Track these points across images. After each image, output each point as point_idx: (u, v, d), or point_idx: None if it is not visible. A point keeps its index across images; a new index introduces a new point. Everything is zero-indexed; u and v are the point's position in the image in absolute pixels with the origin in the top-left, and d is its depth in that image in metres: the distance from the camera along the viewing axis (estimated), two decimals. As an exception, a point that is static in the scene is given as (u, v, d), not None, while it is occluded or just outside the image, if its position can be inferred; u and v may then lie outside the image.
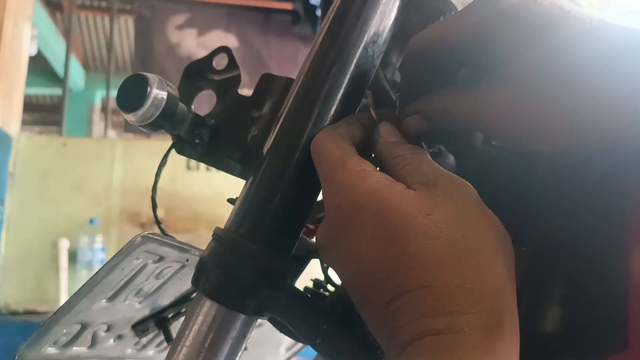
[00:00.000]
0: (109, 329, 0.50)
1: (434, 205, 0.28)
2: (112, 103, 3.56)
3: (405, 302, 0.26)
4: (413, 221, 0.27)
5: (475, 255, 0.27)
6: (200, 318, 0.33)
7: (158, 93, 0.35)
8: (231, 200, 0.37)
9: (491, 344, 0.24)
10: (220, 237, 0.34)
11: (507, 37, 0.29)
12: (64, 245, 2.32)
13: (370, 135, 0.34)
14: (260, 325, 0.51)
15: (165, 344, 0.55)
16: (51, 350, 0.46)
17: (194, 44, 3.22)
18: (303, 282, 0.39)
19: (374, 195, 0.29)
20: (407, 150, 0.32)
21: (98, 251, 2.34)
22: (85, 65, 4.73)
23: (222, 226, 0.35)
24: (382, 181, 0.30)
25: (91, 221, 2.36)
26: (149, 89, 0.34)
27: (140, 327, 0.52)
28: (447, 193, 0.29)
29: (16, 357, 0.44)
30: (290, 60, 3.20)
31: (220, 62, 0.41)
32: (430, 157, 0.32)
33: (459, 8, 0.40)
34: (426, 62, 0.34)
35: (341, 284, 0.32)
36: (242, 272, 0.32)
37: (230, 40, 3.15)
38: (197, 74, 0.41)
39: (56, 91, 4.35)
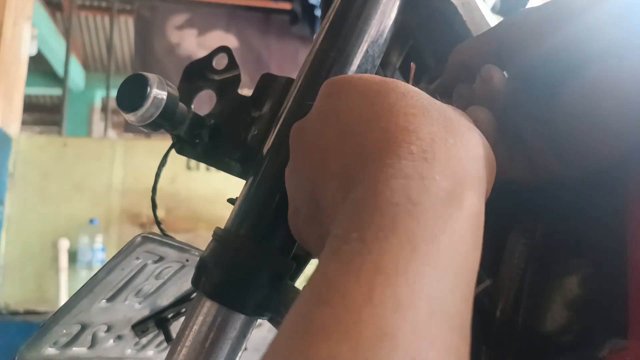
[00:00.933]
0: (108, 330, 0.50)
1: (427, 97, 0.27)
2: (112, 103, 3.56)
3: (382, 144, 0.24)
4: (411, 90, 0.27)
5: (462, 129, 0.25)
6: (200, 318, 0.33)
7: (158, 93, 0.35)
8: (231, 200, 0.37)
9: (461, 197, 0.22)
10: (220, 237, 0.34)
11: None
12: (64, 245, 2.32)
13: None
14: (260, 325, 0.51)
15: (165, 344, 0.55)
16: (51, 350, 0.46)
17: (194, 44, 3.22)
18: (303, 282, 0.39)
19: (378, 79, 0.28)
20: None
21: (98, 251, 2.34)
22: (85, 65, 4.73)
23: (222, 226, 0.35)
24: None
25: (91, 221, 2.37)
26: (149, 88, 0.34)
27: (140, 328, 0.52)
28: (450, 106, 0.28)
29: (16, 357, 0.44)
30: (290, 60, 3.21)
31: (220, 62, 0.41)
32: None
33: (459, 8, 0.40)
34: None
35: None
36: (242, 272, 0.32)
37: (230, 41, 3.15)
38: (197, 73, 0.41)
39: (56, 91, 4.35)
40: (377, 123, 0.25)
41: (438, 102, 0.27)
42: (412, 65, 0.36)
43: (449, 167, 0.23)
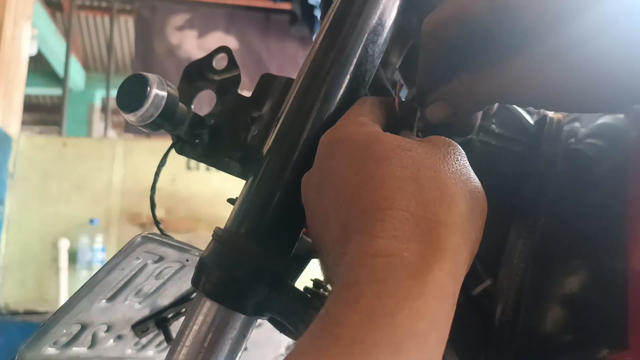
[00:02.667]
0: (108, 329, 0.50)
1: (416, 144, 0.29)
2: (112, 103, 3.56)
3: (360, 222, 0.26)
4: (390, 152, 0.28)
5: (441, 189, 0.27)
6: (200, 318, 0.33)
7: (158, 93, 0.35)
8: (231, 200, 0.37)
9: (428, 272, 0.24)
10: (220, 237, 0.34)
11: (538, 13, 0.29)
12: (64, 245, 2.32)
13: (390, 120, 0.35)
14: (260, 325, 0.51)
15: (165, 344, 0.55)
16: (51, 350, 0.46)
17: (194, 45, 3.22)
18: (303, 282, 0.39)
19: (364, 132, 0.30)
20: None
21: (98, 251, 2.34)
22: (85, 65, 4.74)
23: (222, 226, 0.35)
24: (378, 128, 0.31)
25: (91, 221, 2.37)
26: (148, 88, 0.34)
27: (140, 328, 0.51)
28: (435, 143, 0.30)
29: (16, 357, 0.44)
30: (290, 62, 3.21)
31: (220, 62, 0.41)
32: None
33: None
34: (444, 44, 0.33)
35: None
36: (242, 272, 0.32)
37: (230, 42, 3.15)
38: (197, 73, 0.41)
39: (56, 91, 4.35)
40: (359, 197, 0.27)
41: (420, 158, 0.28)
42: (398, 82, 0.36)
43: (417, 243, 0.25)
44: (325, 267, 0.30)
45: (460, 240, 0.26)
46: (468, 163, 0.30)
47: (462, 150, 0.30)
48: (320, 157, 0.31)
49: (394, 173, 0.27)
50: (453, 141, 0.30)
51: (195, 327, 0.33)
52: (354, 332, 0.22)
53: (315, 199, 0.31)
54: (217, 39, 3.18)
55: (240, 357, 0.34)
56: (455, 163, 0.29)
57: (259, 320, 0.34)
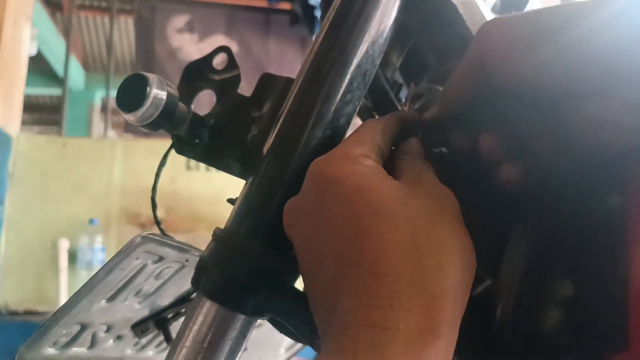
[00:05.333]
0: (108, 330, 0.50)
1: (412, 197, 0.28)
2: (112, 103, 3.56)
3: (352, 284, 0.25)
4: (386, 205, 0.27)
5: (438, 256, 0.26)
6: (200, 318, 0.33)
7: (158, 93, 0.34)
8: (231, 200, 0.37)
9: (423, 348, 0.23)
10: (220, 237, 0.34)
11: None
12: (64, 245, 2.32)
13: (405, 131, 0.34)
14: (260, 325, 0.51)
15: (165, 345, 0.55)
16: (51, 350, 0.46)
17: (195, 49, 3.22)
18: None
19: (358, 173, 0.29)
20: (418, 161, 0.32)
21: (98, 251, 2.34)
22: (85, 65, 4.73)
23: (222, 226, 0.35)
24: (373, 166, 0.29)
25: (91, 221, 2.36)
26: (148, 88, 0.34)
27: (139, 328, 0.51)
28: (430, 193, 0.29)
29: (16, 358, 0.44)
30: (291, 63, 3.20)
31: (220, 61, 0.41)
32: (436, 176, 0.31)
33: (459, 8, 0.40)
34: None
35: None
36: (242, 272, 0.32)
37: (231, 46, 3.14)
38: (196, 73, 0.41)
39: (56, 91, 4.35)
40: (354, 253, 0.26)
41: (417, 216, 0.27)
42: (412, 85, 0.36)
43: (414, 315, 0.24)
44: (313, 307, 0.29)
45: (455, 313, 0.26)
46: (459, 212, 0.29)
47: (455, 199, 0.29)
48: (311, 190, 0.30)
49: (390, 234, 0.26)
50: (451, 192, 0.30)
51: (195, 328, 0.33)
52: None
53: (306, 233, 0.30)
54: (218, 43, 3.18)
55: (240, 357, 0.34)
56: (447, 219, 0.28)
57: (259, 320, 0.34)
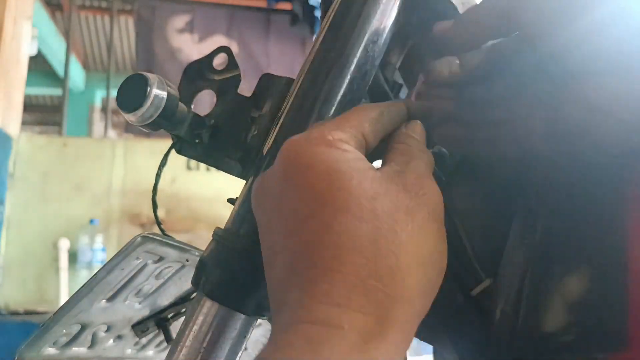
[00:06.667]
0: (108, 329, 0.50)
1: (384, 191, 0.26)
2: (112, 103, 3.56)
3: (304, 278, 0.24)
4: (353, 199, 0.25)
5: (398, 257, 0.25)
6: (200, 318, 0.33)
7: (158, 93, 0.35)
8: (231, 200, 0.37)
9: (364, 349, 0.22)
10: (220, 237, 0.34)
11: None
12: (64, 245, 2.32)
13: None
14: (260, 325, 0.51)
15: (165, 344, 0.55)
16: (51, 350, 0.46)
17: (195, 50, 3.22)
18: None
19: (331, 160, 0.27)
20: (416, 145, 0.30)
21: (98, 251, 2.34)
22: (85, 65, 4.74)
23: (222, 226, 0.35)
24: (349, 154, 0.27)
25: (91, 221, 2.37)
26: (148, 88, 0.34)
27: (140, 327, 0.51)
28: (409, 187, 0.27)
29: (16, 357, 0.44)
30: (291, 63, 3.21)
31: (220, 62, 0.41)
32: (428, 166, 0.30)
33: (459, 8, 0.40)
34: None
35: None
36: (242, 272, 0.32)
37: (230, 45, 3.15)
38: (197, 73, 0.41)
39: (56, 91, 4.36)
40: (311, 247, 0.25)
41: (383, 213, 0.25)
42: (421, 76, 0.36)
43: (362, 316, 0.23)
44: (269, 293, 0.28)
45: (408, 317, 0.25)
46: (439, 210, 0.28)
47: (437, 196, 0.28)
48: (280, 171, 0.28)
49: (351, 230, 0.25)
50: (437, 191, 0.28)
51: (195, 327, 0.33)
52: None
53: (269, 217, 0.28)
54: (218, 43, 3.18)
55: (240, 357, 0.34)
56: (421, 218, 0.26)
57: (259, 320, 0.34)
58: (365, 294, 0.24)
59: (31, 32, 2.54)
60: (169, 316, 0.52)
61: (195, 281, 0.34)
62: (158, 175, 0.46)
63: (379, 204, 0.26)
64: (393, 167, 0.28)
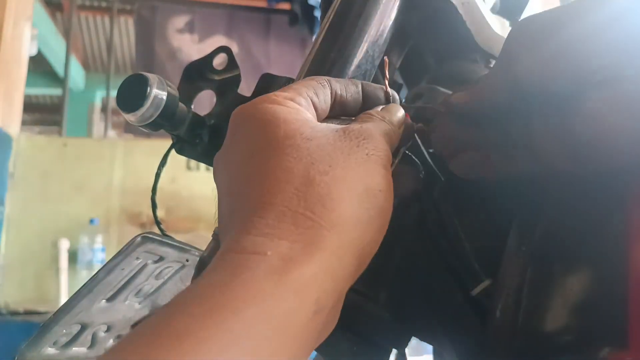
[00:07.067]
0: (108, 330, 0.50)
1: (322, 134, 0.27)
2: (112, 103, 3.55)
3: (239, 216, 0.25)
4: (287, 140, 0.26)
5: (330, 186, 0.25)
6: (200, 318, 0.33)
7: (158, 93, 0.35)
8: (231, 200, 0.37)
9: (285, 273, 0.22)
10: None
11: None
12: (64, 245, 2.32)
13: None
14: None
15: (165, 344, 0.54)
16: (51, 350, 0.46)
17: (195, 50, 3.22)
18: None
19: (272, 110, 0.27)
20: (377, 117, 0.31)
21: (98, 251, 2.34)
22: (86, 66, 4.74)
23: (222, 226, 0.35)
24: (291, 105, 0.28)
25: (91, 221, 2.36)
26: (148, 88, 0.34)
27: (140, 327, 0.51)
28: (350, 133, 0.28)
29: (16, 358, 0.44)
30: (291, 63, 3.20)
31: (220, 62, 0.41)
32: (382, 131, 0.30)
33: (459, 8, 0.40)
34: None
35: None
36: (242, 272, 0.32)
37: (230, 45, 3.15)
38: (197, 73, 0.41)
39: (56, 91, 4.35)
40: (247, 188, 0.26)
41: (318, 150, 0.26)
42: (385, 59, 0.35)
43: (288, 243, 0.23)
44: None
45: (340, 243, 0.24)
46: (382, 157, 0.28)
47: (381, 145, 0.28)
48: (229, 132, 0.29)
49: (285, 165, 0.25)
50: (377, 132, 0.29)
51: (195, 327, 0.33)
52: (190, 324, 0.20)
53: (222, 178, 0.29)
54: (218, 43, 3.17)
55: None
56: (360, 158, 0.27)
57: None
58: (294, 223, 0.24)
59: (31, 32, 2.54)
60: (169, 316, 0.52)
61: (195, 281, 0.34)
62: (157, 175, 0.46)
63: (315, 143, 0.26)
64: (341, 124, 0.29)
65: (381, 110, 0.32)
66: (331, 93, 0.31)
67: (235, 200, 0.26)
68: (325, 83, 0.31)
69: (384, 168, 0.28)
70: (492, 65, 0.45)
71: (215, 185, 0.30)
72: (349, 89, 0.32)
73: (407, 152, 0.36)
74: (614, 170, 0.29)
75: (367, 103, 0.33)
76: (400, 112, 0.33)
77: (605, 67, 0.27)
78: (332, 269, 0.24)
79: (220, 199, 0.28)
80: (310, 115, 0.29)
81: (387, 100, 0.33)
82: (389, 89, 0.33)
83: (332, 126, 0.28)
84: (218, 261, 0.23)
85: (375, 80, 0.37)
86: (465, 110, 0.34)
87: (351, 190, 0.25)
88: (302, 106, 0.29)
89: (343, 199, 0.25)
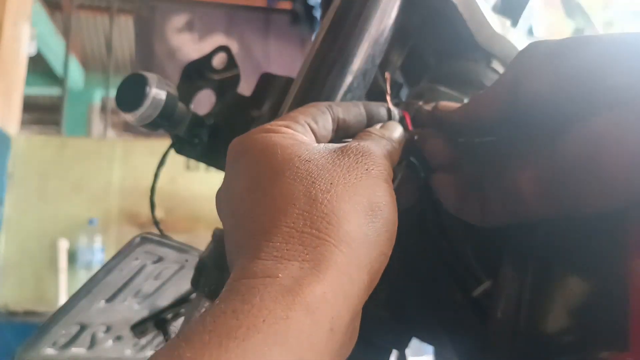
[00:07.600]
0: (107, 330, 0.50)
1: (320, 155, 0.27)
2: (112, 103, 3.55)
3: (245, 244, 0.25)
4: (286, 165, 0.26)
5: (333, 203, 0.25)
6: (200, 319, 0.32)
7: (157, 92, 0.34)
8: (231, 201, 0.37)
9: (297, 293, 0.22)
10: (219, 237, 0.34)
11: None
12: (63, 245, 2.32)
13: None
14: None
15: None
16: (50, 351, 0.46)
17: (195, 46, 3.22)
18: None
19: (268, 140, 0.28)
20: (376, 135, 0.31)
21: (97, 251, 2.34)
22: (85, 65, 4.73)
23: (221, 227, 0.35)
24: (287, 132, 0.28)
25: (90, 221, 2.36)
26: (148, 88, 0.34)
27: (139, 328, 0.51)
28: (347, 152, 0.28)
29: (15, 358, 0.44)
30: (291, 63, 3.20)
31: (219, 61, 0.41)
32: (382, 148, 0.30)
33: (459, 8, 0.40)
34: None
35: None
36: (242, 272, 0.32)
37: (230, 44, 3.14)
38: (196, 73, 0.41)
39: (55, 91, 4.34)
40: (252, 220, 0.26)
41: (318, 170, 0.26)
42: (387, 75, 0.36)
43: (298, 263, 0.23)
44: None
45: (349, 260, 0.24)
46: (383, 172, 0.28)
47: (380, 161, 0.28)
48: (226, 169, 0.29)
49: (286, 188, 0.25)
50: (375, 148, 0.29)
51: (195, 328, 0.32)
52: (199, 353, 0.20)
53: (225, 211, 0.29)
54: (218, 42, 3.16)
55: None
56: (360, 174, 0.27)
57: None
58: (302, 243, 0.24)
59: (31, 32, 2.53)
60: (169, 317, 0.52)
61: (195, 282, 0.34)
62: (156, 175, 0.46)
63: (313, 164, 0.26)
64: (339, 144, 0.29)
65: (380, 127, 0.32)
66: (332, 118, 0.31)
67: (241, 232, 0.26)
68: (325, 109, 0.31)
69: (385, 182, 0.28)
70: (492, 66, 0.44)
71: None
72: (351, 111, 0.32)
73: (410, 159, 0.36)
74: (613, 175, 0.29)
75: (371, 122, 0.33)
76: (399, 129, 0.33)
77: (618, 89, 0.27)
78: (343, 285, 0.24)
79: (226, 234, 0.28)
80: (307, 139, 0.29)
81: (389, 117, 0.33)
82: (391, 106, 0.34)
83: (330, 146, 0.28)
84: (229, 288, 0.23)
85: (375, 80, 0.37)
86: (460, 126, 0.34)
87: (355, 205, 0.26)
88: (299, 132, 0.29)
89: (347, 214, 0.25)
